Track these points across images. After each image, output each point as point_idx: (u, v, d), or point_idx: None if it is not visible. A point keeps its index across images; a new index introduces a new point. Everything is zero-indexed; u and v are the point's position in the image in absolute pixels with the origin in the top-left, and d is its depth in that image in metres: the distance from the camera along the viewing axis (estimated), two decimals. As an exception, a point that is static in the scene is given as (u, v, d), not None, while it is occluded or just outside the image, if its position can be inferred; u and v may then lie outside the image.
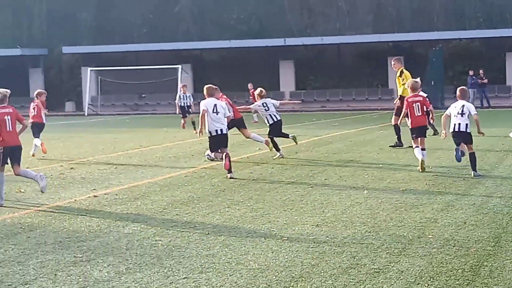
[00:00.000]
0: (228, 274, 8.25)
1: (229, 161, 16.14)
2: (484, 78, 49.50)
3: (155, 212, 12.23)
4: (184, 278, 8.14)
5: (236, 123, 20.14)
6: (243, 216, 11.61)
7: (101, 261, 8.94)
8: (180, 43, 59.50)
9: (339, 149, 22.06)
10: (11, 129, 13.41)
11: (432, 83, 50.98)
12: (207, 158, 17.90)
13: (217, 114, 16.58)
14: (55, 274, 8.40)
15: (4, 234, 10.64)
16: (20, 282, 8.12)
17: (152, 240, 10.04)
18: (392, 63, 22.38)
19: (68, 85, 63.42)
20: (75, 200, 13.67)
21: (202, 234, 10.32)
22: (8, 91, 13.86)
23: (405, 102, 17.27)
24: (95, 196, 14.06)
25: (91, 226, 11.13)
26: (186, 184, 15.41)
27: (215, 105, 16.71)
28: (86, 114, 57.42)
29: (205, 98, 16.97)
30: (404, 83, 20.79)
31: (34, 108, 22.25)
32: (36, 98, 22.49)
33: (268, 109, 20.11)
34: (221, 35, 60.20)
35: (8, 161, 13.59)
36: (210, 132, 16.64)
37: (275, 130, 20.07)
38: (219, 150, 16.73)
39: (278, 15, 61.46)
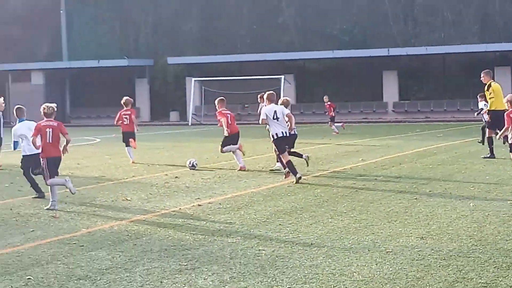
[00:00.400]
0: (332, 285, 8.21)
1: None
2: None
3: (258, 221, 12.28)
4: (287, 288, 8.15)
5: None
6: (347, 227, 11.54)
7: (206, 269, 9.03)
8: (283, 53, 59.76)
9: (444, 160, 21.72)
10: (51, 141, 14.35)
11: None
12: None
13: (277, 120, 17.54)
14: (161, 282, 8.52)
15: (112, 241, 10.86)
16: (127, 289, 8.29)
17: (256, 249, 10.08)
18: (482, 76, 22.14)
19: (173, 95, 64.49)
20: (180, 208, 13.87)
21: (305, 245, 10.30)
22: (55, 106, 14.88)
23: (506, 117, 16.87)
24: (199, 205, 14.23)
25: (196, 234, 11.26)
26: (289, 194, 15.43)
27: (275, 111, 17.60)
28: (189, 124, 58.23)
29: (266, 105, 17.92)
30: (492, 97, 21.31)
31: (126, 118, 23.18)
32: (124, 107, 23.37)
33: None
34: (324, 45, 60.20)
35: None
36: (276, 135, 17.52)
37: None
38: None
39: (382, 25, 61.09)
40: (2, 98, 21.53)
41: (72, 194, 14.76)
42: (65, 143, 14.67)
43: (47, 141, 14.37)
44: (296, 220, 12.27)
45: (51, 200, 14.24)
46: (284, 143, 17.81)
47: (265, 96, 18.33)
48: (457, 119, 53.16)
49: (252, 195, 15.39)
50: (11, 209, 14.14)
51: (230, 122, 20.93)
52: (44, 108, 14.73)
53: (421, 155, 23.87)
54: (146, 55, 66.17)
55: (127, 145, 23.37)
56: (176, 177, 19.12)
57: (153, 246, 10.43)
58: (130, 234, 11.39)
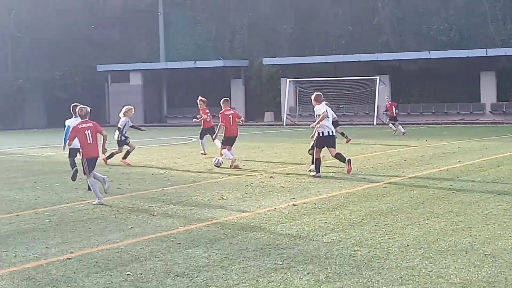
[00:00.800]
0: (429, 287, 8.14)
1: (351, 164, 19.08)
2: None
3: (354, 222, 12.24)
4: (383, 289, 8.11)
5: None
6: (443, 229, 11.40)
7: (301, 269, 9.06)
8: (379, 54, 59.28)
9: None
10: (91, 142, 15.16)
11: None
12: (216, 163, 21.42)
13: (328, 118, 18.95)
14: (257, 280, 8.59)
15: (208, 240, 11.00)
16: (223, 286, 8.37)
17: (351, 250, 10.06)
18: None
19: (268, 95, 64.75)
20: (275, 208, 13.94)
21: (401, 246, 10.22)
22: (88, 108, 15.63)
23: None
24: (294, 204, 14.27)
25: (291, 234, 11.31)
26: (384, 195, 15.33)
27: (327, 110, 19.00)
28: (284, 124, 58.38)
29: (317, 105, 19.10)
30: None
31: (209, 115, 26.45)
32: (199, 105, 26.29)
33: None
34: (420, 46, 59.48)
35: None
36: (322, 133, 18.87)
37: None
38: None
39: (480, 25, 59.97)
40: (133, 108, 24.00)
41: (105, 193, 15.53)
42: (103, 142, 15.75)
43: (88, 142, 15.13)
44: (392, 221, 12.19)
45: (97, 199, 15.09)
46: (325, 143, 19.04)
47: (313, 97, 19.40)
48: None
49: (347, 196, 15.35)
50: (110, 207, 14.47)
51: (231, 124, 22.35)
52: (79, 110, 15.53)
53: None
54: (241, 56, 66.64)
55: (201, 138, 26.37)
56: (271, 177, 19.22)
57: (248, 245, 10.53)
58: (226, 233, 11.52)
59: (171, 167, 22.40)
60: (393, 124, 39.45)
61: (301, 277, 8.68)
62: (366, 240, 10.68)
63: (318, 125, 18.89)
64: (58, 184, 18.48)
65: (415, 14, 61.83)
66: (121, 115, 23.58)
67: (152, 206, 14.33)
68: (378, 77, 57.45)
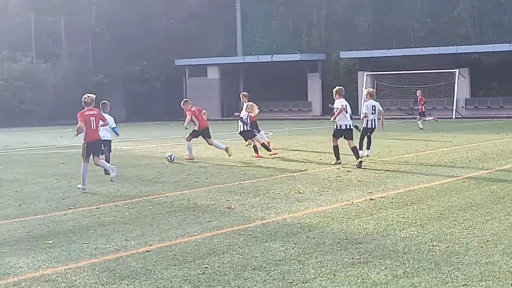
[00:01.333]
0: (510, 284, 7.99)
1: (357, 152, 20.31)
2: None
3: (432, 217, 12.10)
4: (462, 285, 7.99)
5: (202, 132, 23.37)
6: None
7: (379, 263, 9.00)
8: (458, 47, 58.42)
9: None
10: (94, 128, 16.64)
11: None
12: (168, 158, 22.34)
13: (346, 113, 20.53)
14: (334, 275, 8.57)
15: (285, 233, 11.02)
16: (300, 280, 8.37)
17: (430, 245, 9.95)
18: None
19: (345, 89, 64.45)
20: (352, 202, 13.88)
21: (481, 241, 10.07)
22: (94, 96, 17.00)
23: None
24: (371, 199, 14.18)
25: (368, 228, 11.24)
26: (463, 190, 15.13)
27: (346, 105, 20.63)
28: (361, 118, 57.94)
29: (338, 99, 20.95)
30: None
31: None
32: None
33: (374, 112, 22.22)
34: (500, 38, 58.38)
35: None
36: (340, 126, 20.45)
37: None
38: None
39: None
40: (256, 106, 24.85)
41: (112, 181, 16.97)
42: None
43: (91, 127, 16.58)
44: (471, 216, 12.01)
45: (111, 175, 16.82)
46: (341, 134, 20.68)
47: (335, 90, 21.57)
48: None
49: (425, 190, 15.19)
50: (188, 200, 14.61)
51: (198, 117, 23.35)
52: (85, 98, 16.85)
53: None
54: (318, 50, 66.48)
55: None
56: (348, 171, 19.14)
57: (325, 239, 10.50)
58: (303, 226, 11.52)
59: (248, 161, 22.50)
60: (423, 120, 39.56)
61: (379, 272, 8.63)
62: (444, 235, 10.55)
63: (336, 119, 20.50)
64: (136, 178, 18.75)
65: (496, 5, 60.73)
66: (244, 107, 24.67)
67: (229, 200, 14.42)
68: (457, 70, 56.68)
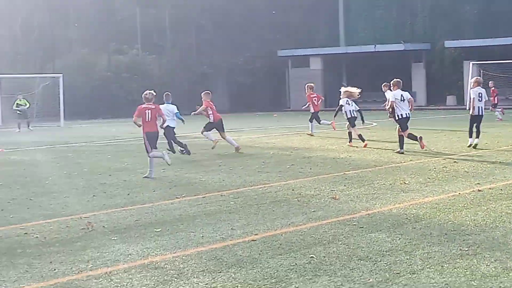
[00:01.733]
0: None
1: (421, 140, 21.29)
2: None
3: (543, 209, 11.81)
4: None
5: (216, 125, 23.56)
6: None
7: (488, 255, 8.83)
8: None
9: None
10: (149, 120, 17.81)
11: None
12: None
13: (403, 102, 21.50)
14: (442, 266, 8.45)
15: (391, 224, 10.92)
16: (407, 271, 8.29)
17: (540, 237, 9.73)
18: None
19: (450, 79, 63.30)
20: (459, 193, 13.64)
21: None
22: (154, 93, 18.35)
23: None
24: (479, 190, 13.91)
25: (476, 220, 11.04)
26: None
27: (402, 95, 21.56)
28: (467, 108, 56.89)
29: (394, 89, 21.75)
30: None
31: (315, 100, 29.60)
32: (307, 91, 29.53)
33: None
34: None
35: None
36: (401, 115, 21.37)
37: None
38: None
39: None
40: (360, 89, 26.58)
41: (168, 165, 18.18)
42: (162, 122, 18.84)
43: (147, 119, 17.76)
44: None
45: (149, 170, 17.46)
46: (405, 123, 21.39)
47: (393, 82, 22.03)
48: None
49: (536, 182, 14.82)
50: (292, 190, 14.64)
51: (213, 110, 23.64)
52: (146, 94, 18.16)
53: None
54: (423, 39, 65.48)
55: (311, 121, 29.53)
56: (455, 161, 18.81)
57: (432, 230, 10.36)
58: (409, 217, 11.40)
59: (352, 151, 22.38)
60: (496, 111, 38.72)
61: (488, 264, 8.46)
62: (556, 228, 10.29)
63: (390, 108, 21.56)
64: (241, 168, 18.88)
65: None
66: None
67: (334, 190, 14.38)
68: None
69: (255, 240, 10.01)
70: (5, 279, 8.51)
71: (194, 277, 8.26)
